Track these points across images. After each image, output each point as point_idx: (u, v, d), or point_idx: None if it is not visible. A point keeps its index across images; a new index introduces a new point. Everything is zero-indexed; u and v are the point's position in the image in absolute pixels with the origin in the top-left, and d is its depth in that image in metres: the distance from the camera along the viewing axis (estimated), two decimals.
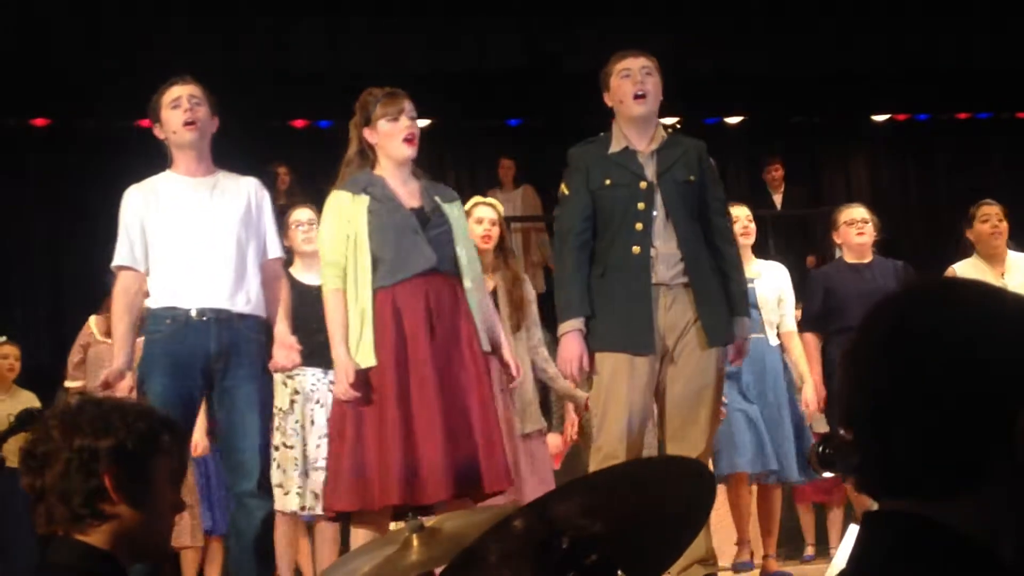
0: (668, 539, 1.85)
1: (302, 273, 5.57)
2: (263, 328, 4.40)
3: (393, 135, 4.30)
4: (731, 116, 11.75)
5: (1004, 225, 5.93)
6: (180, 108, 4.34)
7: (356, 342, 4.17)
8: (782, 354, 5.90)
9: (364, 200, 4.25)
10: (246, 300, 4.32)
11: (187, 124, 4.33)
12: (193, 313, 4.24)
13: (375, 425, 4.11)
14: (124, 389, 4.20)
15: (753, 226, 5.91)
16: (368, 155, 4.37)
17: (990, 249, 5.91)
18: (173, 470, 2.20)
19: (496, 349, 4.42)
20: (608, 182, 4.30)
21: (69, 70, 9.25)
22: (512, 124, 11.48)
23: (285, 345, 4.36)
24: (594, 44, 9.33)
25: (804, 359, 5.89)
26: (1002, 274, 5.85)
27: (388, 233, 4.20)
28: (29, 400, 6.46)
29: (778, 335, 5.87)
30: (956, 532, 1.22)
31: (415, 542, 2.30)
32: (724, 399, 5.45)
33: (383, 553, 2.36)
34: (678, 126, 11.59)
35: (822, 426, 6.30)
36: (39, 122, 10.26)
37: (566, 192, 4.41)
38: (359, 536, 4.16)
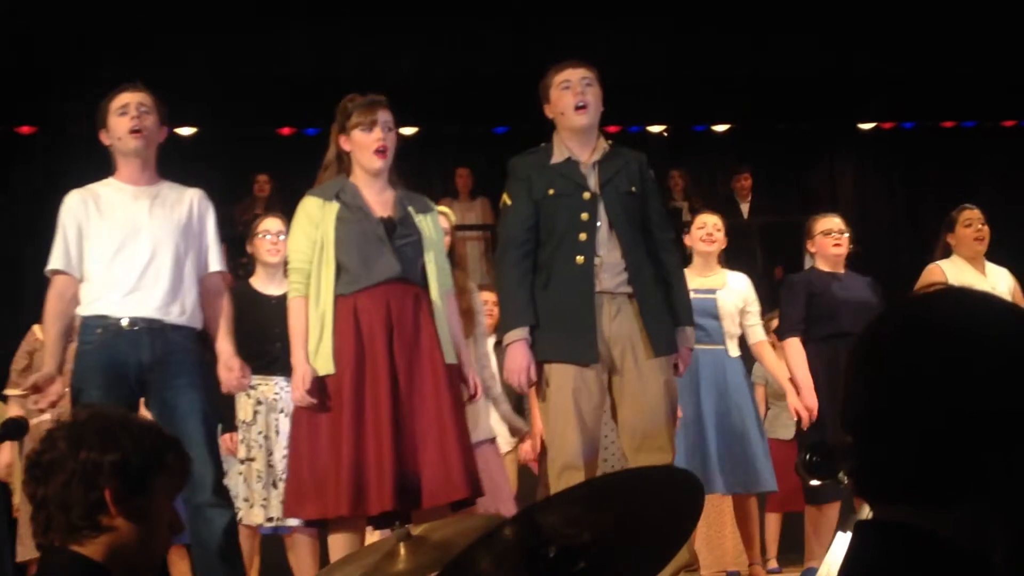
0: (656, 548, 1.85)
1: (264, 284, 5.51)
2: (198, 338, 4.33)
3: (366, 146, 4.28)
4: (718, 124, 11.77)
5: (986, 230, 5.93)
6: (127, 115, 4.28)
7: (315, 348, 4.15)
8: (743, 365, 5.86)
9: (334, 207, 4.23)
10: (180, 312, 4.25)
11: (133, 132, 4.27)
12: (124, 323, 4.18)
13: (329, 433, 4.09)
14: (54, 394, 4.14)
15: (719, 235, 5.83)
16: (344, 161, 4.35)
17: (972, 253, 5.91)
18: (173, 488, 2.20)
19: (460, 363, 4.43)
20: (551, 192, 4.29)
21: (55, 78, 9.24)
22: (498, 132, 11.49)
23: (228, 368, 4.29)
24: (579, 52, 9.35)
25: (781, 367, 5.87)
26: (984, 275, 5.86)
27: (353, 241, 4.19)
28: None
29: (744, 344, 5.83)
30: (949, 541, 1.22)
31: (402, 551, 2.29)
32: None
33: (370, 562, 2.35)
34: (665, 134, 11.66)
35: (787, 432, 6.25)
36: (26, 130, 10.26)
37: (508, 202, 4.39)
38: (336, 544, 4.13)
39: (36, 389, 4.13)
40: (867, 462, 1.28)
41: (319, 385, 4.11)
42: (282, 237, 5.48)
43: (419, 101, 10.45)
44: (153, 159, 4.39)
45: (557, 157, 4.35)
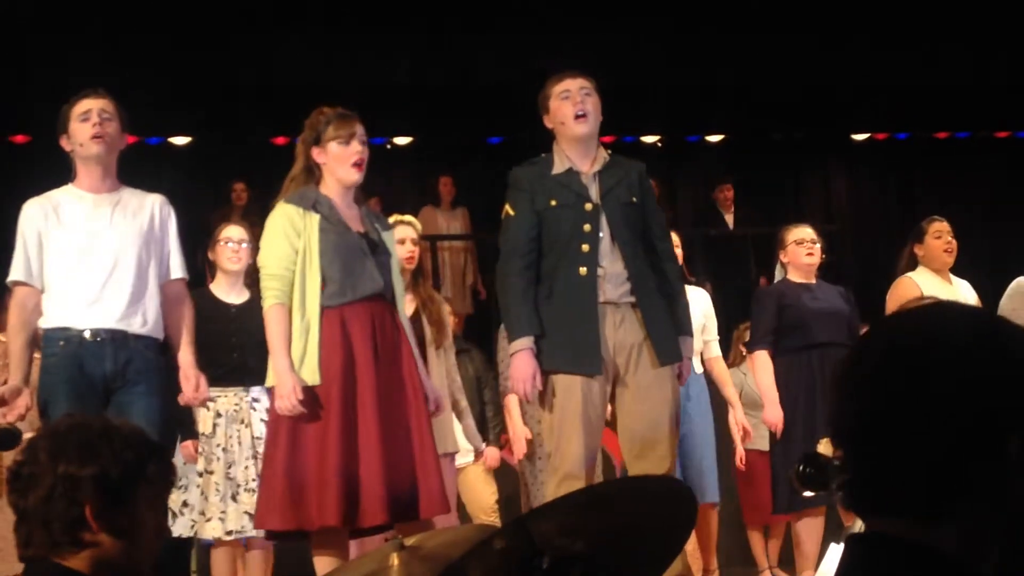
0: (649, 557, 1.85)
1: (224, 291, 5.44)
2: (160, 348, 4.31)
3: (343, 158, 4.25)
4: (712, 134, 11.79)
5: (955, 243, 5.91)
6: (89, 121, 4.26)
7: (300, 359, 4.10)
8: (704, 379, 5.88)
9: (315, 217, 4.19)
10: (142, 322, 4.23)
11: (95, 137, 4.24)
12: (87, 334, 4.16)
13: (315, 444, 4.05)
14: (21, 407, 4.12)
15: (679, 251, 5.74)
16: (314, 172, 4.31)
17: (939, 265, 5.88)
18: (157, 496, 2.18)
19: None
20: (553, 203, 4.28)
21: (49, 86, 9.23)
22: (493, 142, 11.50)
23: (188, 379, 4.27)
24: (572, 63, 9.36)
25: (731, 384, 5.92)
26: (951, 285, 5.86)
27: (339, 253, 4.16)
28: None
29: (702, 361, 5.84)
30: (939, 553, 1.23)
31: (395, 561, 2.29)
32: None
33: (363, 572, 2.34)
34: (659, 144, 11.68)
35: (763, 443, 6.26)
36: (19, 139, 10.25)
37: (511, 212, 4.38)
38: (322, 562, 4.09)
39: (2, 402, 4.10)
40: (857, 476, 1.28)
41: (304, 395, 4.06)
42: (244, 245, 5.43)
43: (411, 110, 10.49)
44: (114, 166, 4.37)
45: (558, 168, 4.34)
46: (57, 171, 4.48)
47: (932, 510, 1.24)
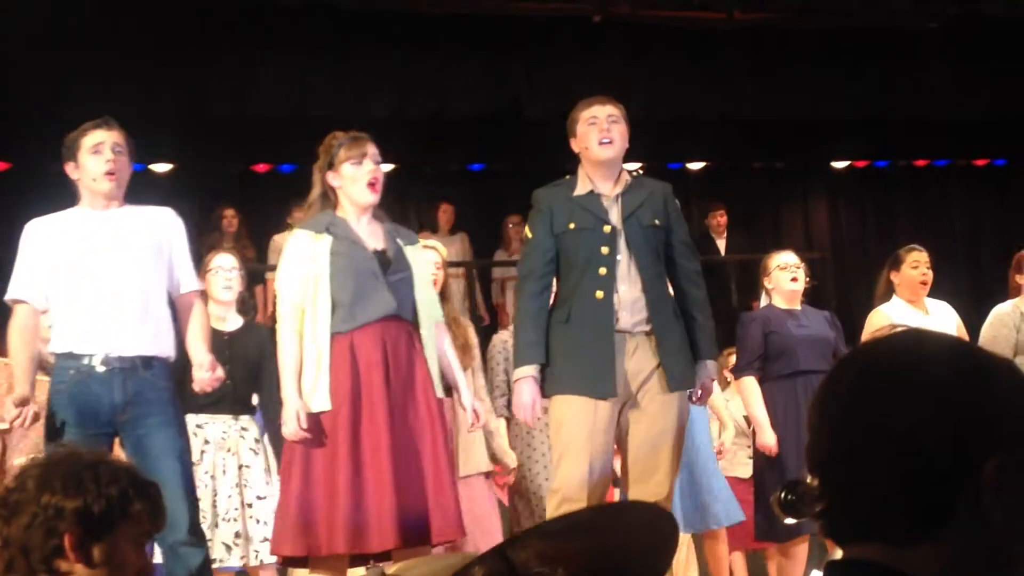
0: None
1: (217, 319, 5.36)
2: (171, 374, 4.26)
3: (357, 179, 4.27)
4: (693, 162, 11.82)
5: (931, 274, 5.91)
6: (101, 156, 4.23)
7: (312, 385, 4.12)
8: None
9: (327, 240, 4.20)
10: (152, 340, 4.19)
11: (108, 174, 4.22)
12: (97, 362, 4.11)
13: (325, 470, 4.07)
14: (27, 415, 4.10)
15: None
16: (330, 198, 4.33)
17: (913, 295, 5.88)
18: (142, 535, 2.17)
19: (455, 393, 4.42)
20: (572, 226, 4.29)
21: (31, 114, 9.21)
22: (474, 169, 11.52)
23: (204, 366, 4.21)
24: (555, 89, 9.39)
25: (724, 406, 5.88)
26: (926, 315, 5.87)
27: (349, 276, 4.16)
28: None
29: None
30: None
31: None
32: None
33: None
34: (640, 172, 11.71)
35: (745, 471, 6.24)
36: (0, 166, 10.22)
37: (529, 235, 4.41)
38: None
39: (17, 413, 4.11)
40: (835, 503, 1.29)
41: (314, 422, 4.09)
42: (235, 273, 5.43)
43: (396, 138, 10.50)
44: (122, 192, 4.34)
45: (580, 190, 4.36)
46: (38, 198, 4.46)
47: (910, 535, 1.24)
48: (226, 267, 5.45)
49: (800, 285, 5.78)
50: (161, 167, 10.38)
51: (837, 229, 12.49)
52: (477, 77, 10.18)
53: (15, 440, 5.32)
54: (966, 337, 5.85)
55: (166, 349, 4.25)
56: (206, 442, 5.23)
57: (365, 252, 4.22)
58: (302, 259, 4.20)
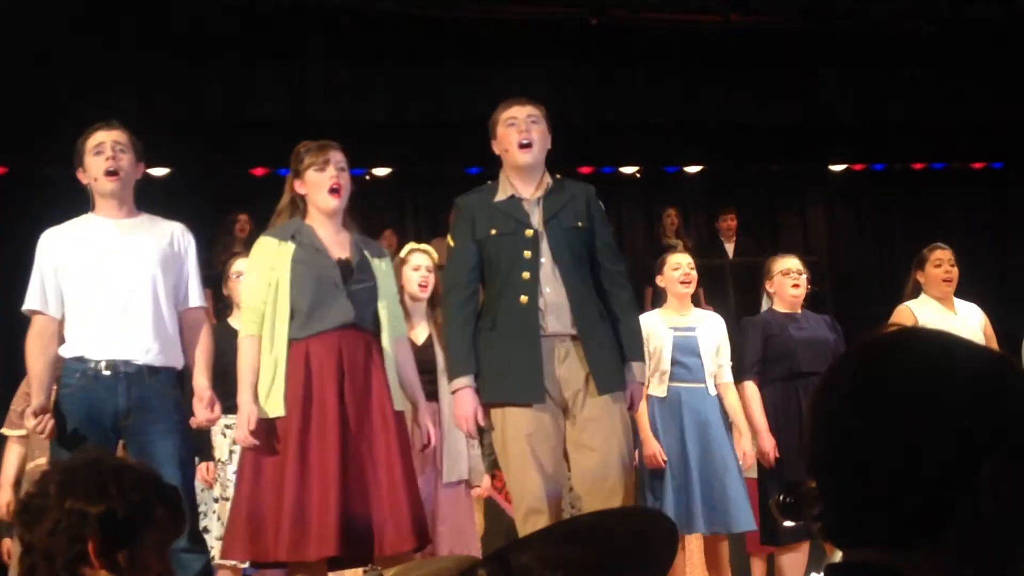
0: None
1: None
2: (177, 381, 4.30)
3: (320, 185, 4.27)
4: (690, 165, 11.83)
5: (955, 271, 5.95)
6: (103, 155, 4.25)
7: (267, 390, 4.13)
8: (719, 403, 5.83)
9: (290, 248, 4.22)
10: (159, 350, 4.20)
11: (109, 174, 4.24)
12: (103, 366, 4.13)
13: (274, 476, 4.07)
14: (47, 424, 4.11)
15: (695, 274, 5.77)
16: (299, 205, 4.34)
17: (940, 293, 5.93)
18: (164, 540, 2.18)
19: (415, 408, 4.41)
20: (494, 231, 4.23)
21: (28, 118, 9.21)
22: (472, 172, 11.52)
23: (202, 400, 4.24)
24: (552, 93, 9.39)
25: (740, 409, 5.85)
26: (954, 314, 5.88)
27: (308, 284, 4.17)
28: None
29: (715, 385, 5.82)
30: None
31: None
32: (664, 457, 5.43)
33: None
34: (638, 175, 11.72)
35: (752, 472, 6.21)
36: None
37: (452, 244, 4.35)
38: None
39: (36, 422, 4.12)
40: (833, 506, 1.28)
41: (267, 427, 4.09)
42: None
43: (394, 141, 10.50)
44: (131, 196, 4.36)
45: (501, 195, 4.29)
46: (35, 203, 4.47)
47: (908, 538, 1.24)
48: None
49: (802, 291, 5.78)
50: (158, 171, 10.38)
51: (834, 232, 12.49)
52: (473, 80, 10.19)
53: (35, 445, 5.35)
54: (993, 339, 5.88)
55: (174, 359, 4.27)
56: (234, 442, 5.28)
57: (328, 260, 4.23)
58: (265, 265, 4.22)
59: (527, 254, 4.18)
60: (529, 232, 4.21)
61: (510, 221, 4.23)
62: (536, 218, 4.24)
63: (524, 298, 4.15)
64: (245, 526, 4.07)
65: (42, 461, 5.25)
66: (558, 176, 4.39)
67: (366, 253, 4.34)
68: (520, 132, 4.26)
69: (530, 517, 4.05)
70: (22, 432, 5.65)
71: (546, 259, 4.19)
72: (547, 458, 4.10)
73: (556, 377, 4.14)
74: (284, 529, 3.98)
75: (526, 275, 4.17)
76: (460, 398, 4.19)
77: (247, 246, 9.30)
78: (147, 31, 9.11)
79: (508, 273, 4.19)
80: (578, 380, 4.15)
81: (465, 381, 4.17)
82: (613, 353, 4.21)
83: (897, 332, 1.34)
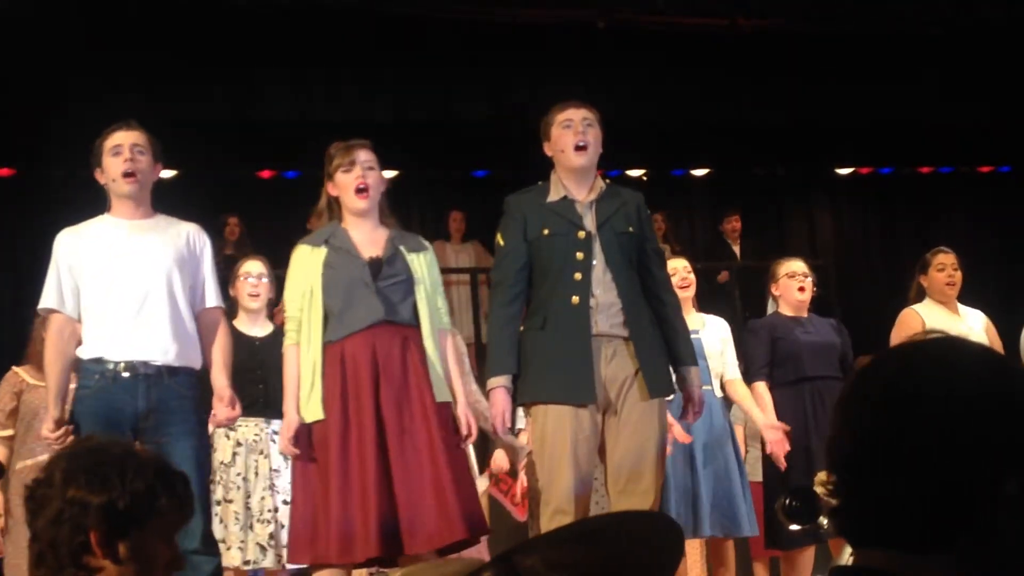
0: None
1: (247, 325, 5.52)
2: (195, 382, 4.29)
3: (347, 186, 4.32)
4: (697, 168, 11.82)
5: (959, 275, 5.93)
6: (121, 156, 4.26)
7: (307, 396, 4.17)
8: (724, 405, 5.82)
9: (322, 252, 4.26)
10: (177, 351, 4.21)
11: (127, 176, 4.25)
12: (121, 367, 4.14)
13: (319, 480, 4.13)
14: (63, 435, 4.12)
15: (692, 277, 5.80)
16: (335, 207, 4.38)
17: (943, 297, 5.92)
18: (171, 527, 2.16)
19: (455, 401, 4.42)
20: (546, 232, 4.26)
21: (34, 120, 9.22)
22: (478, 175, 11.52)
23: (222, 399, 4.27)
24: (559, 95, 9.38)
25: (750, 400, 5.82)
26: (958, 317, 5.87)
27: (339, 286, 4.21)
28: None
29: (721, 384, 5.80)
30: None
31: None
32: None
33: None
34: (644, 178, 11.71)
35: (757, 475, 6.20)
36: (3, 172, 10.22)
37: (501, 243, 4.37)
38: None
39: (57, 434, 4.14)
40: (850, 504, 1.28)
41: (309, 433, 4.15)
42: (264, 279, 5.51)
43: (399, 144, 10.51)
44: (148, 197, 4.38)
45: (553, 196, 4.32)
46: (42, 204, 4.47)
47: (924, 543, 1.24)
48: (253, 273, 5.57)
49: (807, 294, 5.78)
50: (165, 173, 10.37)
51: (840, 235, 12.48)
52: (480, 83, 10.19)
53: (19, 446, 5.35)
54: (997, 341, 5.87)
55: (192, 360, 4.28)
56: (239, 444, 5.34)
57: (357, 261, 4.25)
58: (299, 273, 4.27)
59: (579, 255, 4.23)
60: (582, 234, 4.25)
61: (563, 222, 4.27)
62: (589, 220, 4.28)
63: (576, 298, 4.19)
64: (303, 531, 4.14)
65: (29, 462, 5.25)
66: (608, 181, 4.43)
67: (401, 248, 4.35)
68: (576, 134, 4.31)
69: (556, 517, 4.08)
70: (10, 432, 5.63)
71: (598, 261, 4.23)
72: (585, 459, 4.14)
73: (602, 376, 4.18)
74: (332, 533, 4.04)
75: (578, 276, 4.21)
76: (494, 397, 4.22)
77: (237, 248, 9.37)
78: (153, 32, 9.11)
79: (560, 274, 4.23)
80: (622, 380, 4.18)
81: (501, 380, 4.21)
82: (663, 357, 4.27)
83: (938, 340, 1.35)
